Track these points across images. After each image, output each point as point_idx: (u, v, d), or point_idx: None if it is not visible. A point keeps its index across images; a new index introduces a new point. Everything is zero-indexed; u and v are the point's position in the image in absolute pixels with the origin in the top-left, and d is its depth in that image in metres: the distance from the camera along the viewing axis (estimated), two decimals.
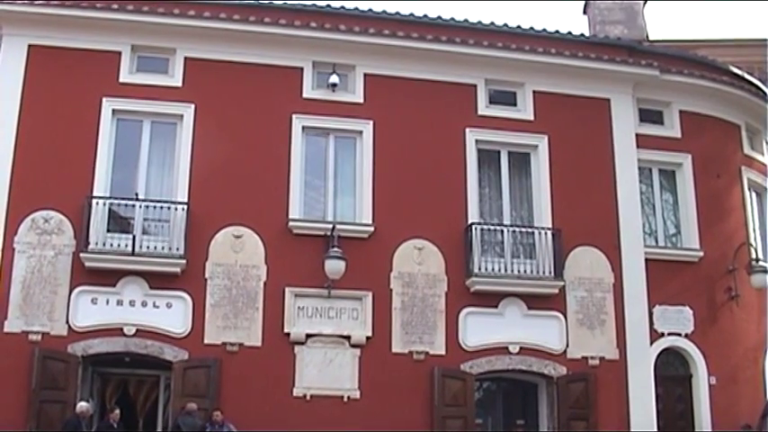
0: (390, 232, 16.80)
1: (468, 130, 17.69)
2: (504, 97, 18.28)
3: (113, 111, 16.73)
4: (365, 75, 17.58)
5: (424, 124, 17.57)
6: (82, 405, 14.98)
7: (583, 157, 18.12)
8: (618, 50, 18.97)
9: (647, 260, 17.82)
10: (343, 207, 17.18)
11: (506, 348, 16.89)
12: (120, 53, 16.94)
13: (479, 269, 16.82)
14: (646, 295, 17.65)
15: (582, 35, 19.57)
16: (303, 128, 17.11)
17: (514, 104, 18.28)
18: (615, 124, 18.42)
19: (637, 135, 18.54)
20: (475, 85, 17.98)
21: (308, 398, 15.92)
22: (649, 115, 19.04)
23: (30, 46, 16.75)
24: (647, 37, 22.98)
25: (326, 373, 16.10)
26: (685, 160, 18.91)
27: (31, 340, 15.61)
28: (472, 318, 16.84)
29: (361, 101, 17.46)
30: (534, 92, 18.24)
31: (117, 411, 15.47)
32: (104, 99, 16.69)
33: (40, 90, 16.63)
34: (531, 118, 18.12)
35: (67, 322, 15.78)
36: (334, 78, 17.25)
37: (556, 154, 17.99)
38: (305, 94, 17.29)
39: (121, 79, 16.88)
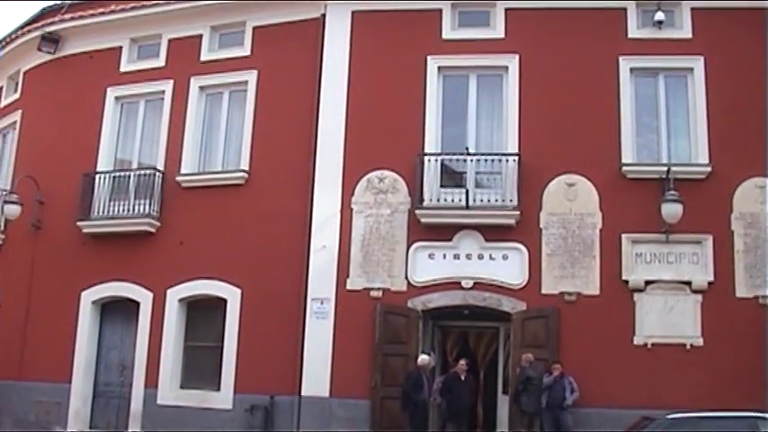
0: (729, 171, 17.02)
1: None
2: None
3: (439, 68, 18.28)
4: (692, 9, 17.92)
5: (757, 54, 17.56)
6: (423, 358, 16.65)
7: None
8: None
9: None
10: (678, 148, 17.65)
11: None
12: (440, 11, 18.49)
13: None
14: None
15: None
16: (631, 69, 17.75)
17: None
18: None
19: None
20: None
21: (648, 346, 16.63)
22: None
23: (353, 12, 18.73)
24: None
25: (667, 320, 16.70)
26: None
27: (372, 296, 17.58)
28: None
29: (690, 36, 17.83)
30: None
31: (463, 362, 17.01)
32: (429, 57, 18.30)
33: (365, 54, 18.56)
34: None
35: (406, 278, 17.58)
36: (659, 15, 17.71)
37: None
38: (630, 35, 17.90)
39: (444, 36, 18.42)
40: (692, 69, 17.78)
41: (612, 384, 16.44)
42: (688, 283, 16.90)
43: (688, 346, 16.65)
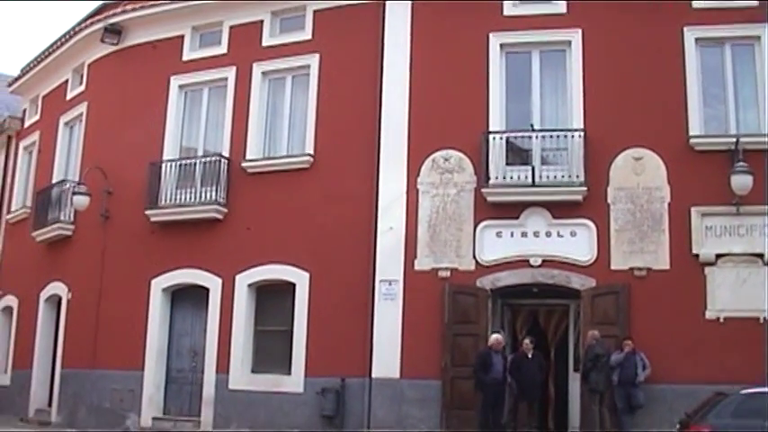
0: None
1: None
2: None
3: (501, 45, 18.39)
4: None
5: None
6: (494, 337, 16.87)
7: None
8: None
9: None
10: (746, 118, 17.48)
11: None
12: None
13: None
14: None
15: None
16: (696, 40, 17.55)
17: None
18: None
19: None
20: None
21: (721, 320, 16.52)
22: None
23: None
24: None
25: (740, 293, 16.56)
26: None
27: (440, 277, 17.81)
28: None
29: (755, 3, 17.49)
30: None
31: (528, 340, 17.20)
32: (491, 35, 18.41)
33: (427, 33, 18.75)
34: None
35: (474, 257, 17.78)
36: None
37: None
38: (694, 5, 17.63)
39: (505, 13, 18.52)
40: (758, 37, 17.55)
41: (684, 360, 16.41)
42: (760, 256, 16.72)
43: (761, 320, 16.46)
